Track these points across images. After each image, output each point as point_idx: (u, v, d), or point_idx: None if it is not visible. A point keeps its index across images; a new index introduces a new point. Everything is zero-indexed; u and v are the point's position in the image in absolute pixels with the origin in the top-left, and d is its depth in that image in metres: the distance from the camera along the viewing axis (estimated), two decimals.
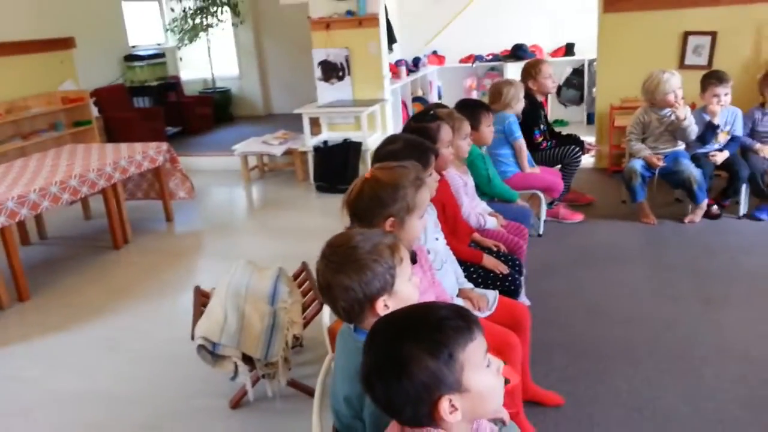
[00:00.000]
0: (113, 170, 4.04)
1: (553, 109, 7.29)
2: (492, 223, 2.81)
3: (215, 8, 8.51)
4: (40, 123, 5.96)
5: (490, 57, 7.30)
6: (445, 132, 2.50)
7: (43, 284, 3.64)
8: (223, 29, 8.78)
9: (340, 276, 1.33)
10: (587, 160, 5.05)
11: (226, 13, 8.64)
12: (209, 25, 8.57)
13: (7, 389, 2.64)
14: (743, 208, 3.81)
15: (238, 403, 2.35)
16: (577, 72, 7.10)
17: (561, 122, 7.21)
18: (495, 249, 2.58)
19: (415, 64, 7.28)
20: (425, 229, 2.11)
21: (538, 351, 2.48)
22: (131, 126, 6.77)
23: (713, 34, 4.66)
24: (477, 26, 7.39)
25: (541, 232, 3.74)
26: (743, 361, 2.37)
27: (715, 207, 3.81)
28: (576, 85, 7.14)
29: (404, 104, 6.83)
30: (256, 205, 5.28)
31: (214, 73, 8.98)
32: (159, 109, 7.57)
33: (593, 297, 2.98)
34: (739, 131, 3.85)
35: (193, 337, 2.20)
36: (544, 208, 3.72)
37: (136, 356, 2.80)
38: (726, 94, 3.77)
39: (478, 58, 7.32)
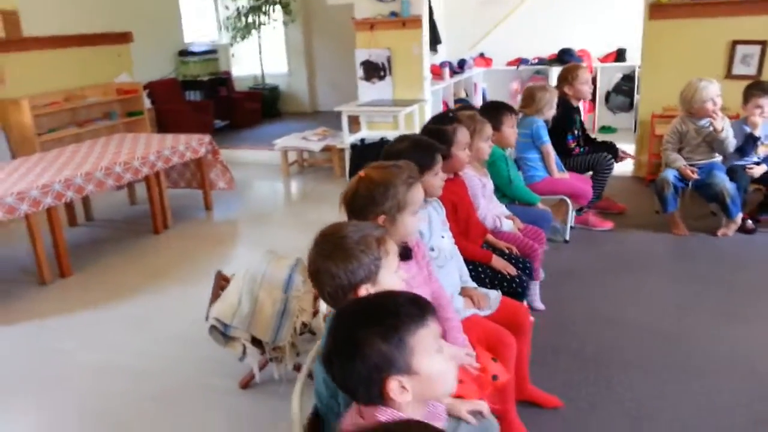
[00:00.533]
0: (156, 159, 4.25)
1: (602, 116, 7.19)
2: (508, 225, 2.82)
3: (267, 7, 8.75)
4: (95, 112, 6.29)
5: (536, 60, 7.25)
6: (462, 134, 2.53)
7: (85, 263, 3.87)
8: (274, 27, 9.02)
9: (329, 263, 1.41)
10: (625, 169, 4.97)
11: (277, 12, 8.88)
12: (261, 23, 8.82)
13: (43, 359, 2.83)
14: None
15: (247, 384, 2.46)
16: (628, 78, 6.96)
17: (609, 129, 7.09)
18: (507, 251, 2.60)
19: (461, 65, 7.29)
20: (430, 226, 2.17)
21: (546, 354, 2.51)
22: (181, 118, 7.05)
23: (763, 44, 4.50)
24: (525, 29, 7.34)
25: (567, 238, 3.71)
26: (753, 379, 2.31)
27: (750, 221, 3.69)
28: (626, 91, 7.01)
29: (446, 105, 6.85)
30: (292, 199, 5.42)
31: (265, 70, 9.23)
32: (209, 102, 7.85)
33: (611, 305, 2.95)
34: None
35: (207, 318, 2.32)
36: (571, 214, 3.70)
37: (160, 335, 2.96)
38: None
39: (524, 61, 7.27)
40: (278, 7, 8.79)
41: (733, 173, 3.64)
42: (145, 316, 3.17)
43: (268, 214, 4.86)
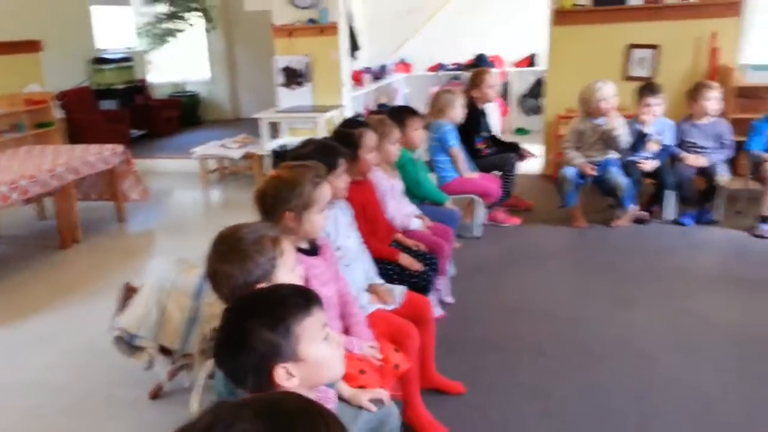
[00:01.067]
0: (65, 171, 4.11)
1: (517, 118, 7.50)
2: (417, 224, 2.94)
3: (186, 13, 8.61)
4: (2, 124, 6.00)
5: (454, 66, 7.48)
6: (369, 138, 2.63)
7: None
8: (196, 34, 8.88)
9: (225, 264, 1.46)
10: (534, 167, 5.23)
11: (197, 18, 8.75)
12: (179, 30, 8.66)
13: None
14: (670, 214, 3.99)
15: (156, 394, 2.45)
16: (539, 82, 7.29)
17: (523, 131, 7.41)
18: (415, 248, 2.71)
19: (382, 71, 7.43)
20: (336, 227, 2.25)
21: (454, 344, 2.63)
22: (95, 128, 6.82)
23: (656, 47, 4.86)
24: (443, 36, 7.57)
25: (478, 235, 3.88)
26: (640, 358, 2.51)
27: (643, 212, 3.98)
28: (538, 95, 7.33)
29: (368, 110, 6.97)
30: (211, 207, 5.38)
31: (187, 77, 9.06)
32: (124, 111, 7.63)
33: (517, 295, 3.12)
34: (669, 141, 4.02)
35: (111, 328, 2.30)
36: (481, 211, 3.87)
37: (68, 349, 2.88)
38: (658, 105, 3.96)
39: (443, 67, 7.50)
40: (198, 13, 8.66)
41: (627, 168, 3.91)
42: (53, 331, 3.08)
43: (186, 224, 4.80)
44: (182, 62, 8.89)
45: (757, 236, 3.69)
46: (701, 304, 2.95)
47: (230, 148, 5.74)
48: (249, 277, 1.46)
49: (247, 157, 5.72)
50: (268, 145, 5.53)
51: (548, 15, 5.08)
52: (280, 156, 5.35)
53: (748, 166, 3.95)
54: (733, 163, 4.15)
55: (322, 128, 5.39)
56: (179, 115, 8.49)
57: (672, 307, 2.92)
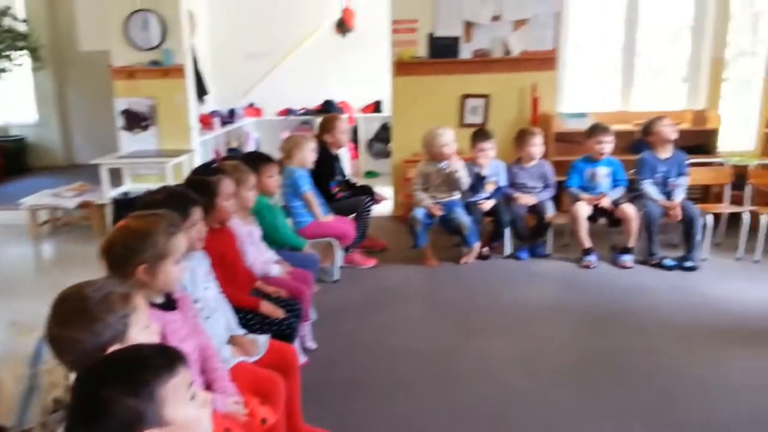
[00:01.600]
0: None
1: (366, 162, 7.77)
2: (277, 270, 2.93)
3: (11, 52, 7.86)
4: None
5: (303, 111, 7.62)
6: (226, 185, 2.59)
7: None
8: (21, 74, 8.11)
9: (69, 328, 1.35)
10: (386, 209, 5.45)
11: (22, 58, 8.02)
12: (3, 70, 7.87)
13: None
14: (507, 249, 4.37)
15: None
16: (385, 127, 7.63)
17: (373, 173, 7.69)
18: (276, 295, 2.69)
19: (231, 115, 7.35)
20: (194, 279, 2.17)
21: (319, 391, 2.62)
22: None
23: (486, 97, 5.35)
24: (292, 81, 7.69)
25: (337, 278, 3.94)
26: (495, 383, 2.70)
27: (485, 249, 4.32)
28: (384, 139, 7.65)
29: (218, 155, 6.82)
30: (43, 264, 4.89)
31: (10, 120, 8.22)
32: None
33: (377, 335, 3.20)
34: (503, 182, 4.42)
35: None
36: (338, 254, 3.94)
37: None
38: (491, 149, 4.35)
39: (292, 111, 7.60)
40: (23, 52, 7.94)
41: (469, 208, 4.23)
42: None
43: (15, 284, 4.30)
44: (4, 104, 8.06)
45: (583, 267, 4.15)
46: (541, 329, 3.25)
47: (64, 197, 5.29)
48: (99, 340, 1.35)
49: (84, 206, 5.29)
50: (109, 193, 5.18)
51: (390, 66, 5.40)
52: (123, 205, 5.03)
53: (570, 202, 4.46)
54: (557, 201, 4.67)
55: (170, 174, 5.17)
56: (2, 163, 7.66)
57: (517, 334, 3.18)
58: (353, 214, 4.19)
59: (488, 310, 3.48)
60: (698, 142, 4.91)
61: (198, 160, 5.77)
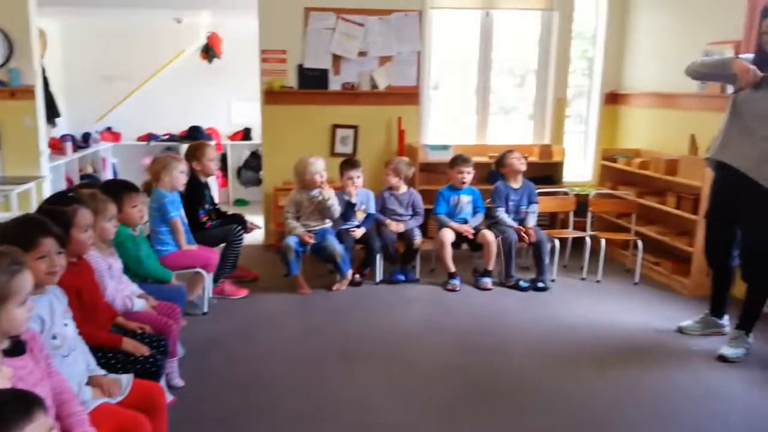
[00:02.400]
0: None
1: (235, 190, 7.62)
2: (140, 305, 2.78)
3: None
4: None
5: (167, 137, 7.33)
6: (83, 216, 2.42)
7: None
8: None
9: None
10: (257, 238, 5.38)
11: None
12: None
13: None
14: (379, 275, 4.49)
15: None
16: (255, 155, 7.55)
17: (243, 202, 7.55)
18: (140, 331, 2.55)
19: (85, 139, 6.90)
20: (52, 314, 2.01)
21: (188, 430, 2.51)
22: None
23: (355, 128, 5.51)
24: (154, 105, 7.39)
25: (206, 310, 3.81)
26: (366, 412, 2.74)
27: (357, 276, 4.41)
28: (254, 167, 7.57)
29: (70, 182, 6.35)
30: None
31: None
32: None
33: (250, 368, 3.13)
34: (372, 209, 4.56)
35: None
36: (207, 285, 3.82)
37: None
38: (358, 177, 4.48)
39: (154, 137, 7.28)
40: None
41: (340, 236, 4.31)
42: None
43: None
44: None
45: (448, 290, 4.38)
46: (411, 352, 3.36)
47: None
48: None
49: None
50: None
51: (259, 94, 5.39)
52: None
53: (436, 228, 4.70)
54: (424, 228, 4.89)
55: (15, 203, 4.72)
56: None
57: (388, 359, 3.26)
58: (223, 244, 4.09)
59: (361, 337, 3.54)
60: (545, 173, 5.42)
61: (49, 188, 5.34)
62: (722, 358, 3.27)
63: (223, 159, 7.47)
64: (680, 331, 3.66)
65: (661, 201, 4.66)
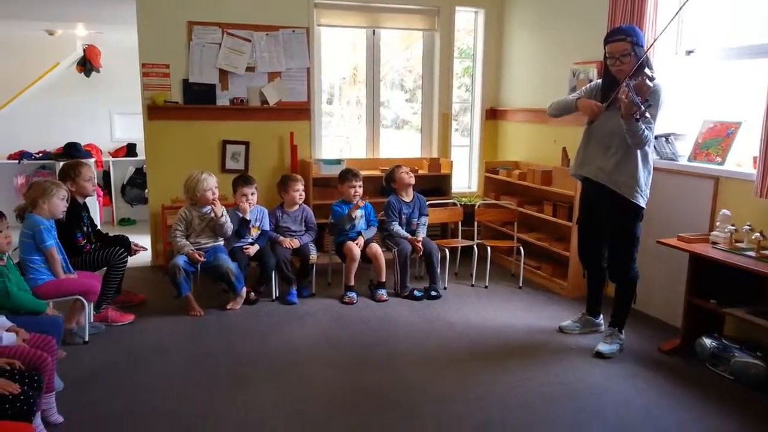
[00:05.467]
0: None
1: (120, 209, 7.22)
2: (9, 339, 2.57)
3: None
4: None
5: (41, 154, 6.82)
6: None
7: None
8: None
9: None
10: (144, 259, 5.14)
11: None
12: None
13: None
14: (275, 293, 4.44)
15: None
16: (140, 172, 7.21)
17: (129, 221, 7.19)
18: (9, 368, 2.36)
19: None
20: None
21: None
22: None
23: (247, 143, 5.43)
24: (28, 121, 6.89)
25: (87, 339, 3.58)
26: None
27: (252, 294, 4.33)
28: (140, 184, 7.22)
29: None
30: None
31: None
32: None
33: (137, 399, 2.96)
34: (267, 226, 4.51)
35: None
36: (88, 313, 3.59)
37: None
38: (252, 194, 4.42)
39: (27, 155, 6.74)
40: None
41: (234, 254, 4.22)
42: None
43: None
44: None
45: (345, 303, 4.40)
46: (310, 369, 3.34)
47: None
48: None
49: None
50: None
51: (142, 109, 5.18)
52: None
53: (333, 243, 4.72)
54: (319, 242, 4.90)
55: None
56: None
57: (285, 379, 3.22)
58: (105, 268, 3.87)
59: (256, 358, 3.47)
60: (435, 185, 5.62)
61: None
62: (599, 355, 3.54)
63: (106, 176, 7.08)
64: (561, 330, 3.93)
65: (539, 209, 4.99)
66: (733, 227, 3.40)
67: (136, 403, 2.93)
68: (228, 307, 4.19)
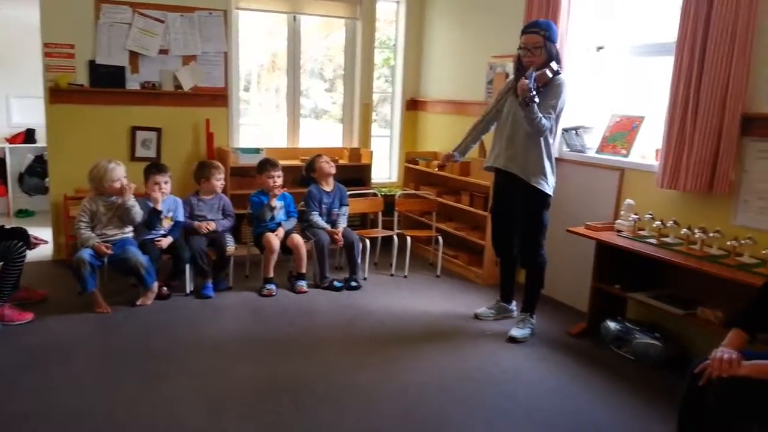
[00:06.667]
0: None
1: (17, 199, 6.72)
2: None
3: None
4: None
5: None
6: None
7: None
8: None
9: None
10: (45, 253, 4.81)
11: None
12: None
13: None
14: (189, 287, 4.28)
15: None
16: (41, 159, 6.73)
17: (27, 212, 6.72)
18: None
19: None
20: None
21: None
22: None
23: (159, 130, 5.18)
24: None
25: None
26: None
27: (164, 288, 4.16)
28: (40, 173, 6.74)
29: None
30: None
31: None
32: None
33: (38, 403, 2.76)
34: (181, 217, 4.33)
35: None
36: None
37: None
38: (166, 183, 4.24)
39: None
40: None
41: (144, 247, 4.02)
42: None
43: None
44: None
45: (264, 296, 4.32)
46: (228, 364, 3.24)
47: None
48: None
49: None
50: None
51: (43, 92, 4.83)
52: None
53: (251, 235, 4.61)
54: (236, 233, 4.77)
55: None
56: None
57: (202, 374, 3.11)
58: (1, 263, 3.58)
59: (171, 353, 3.33)
60: (355, 175, 5.61)
61: None
62: (512, 339, 3.67)
63: (2, 164, 6.56)
64: (476, 317, 4.04)
65: (457, 199, 5.09)
66: (636, 216, 3.61)
67: (39, 404, 2.74)
68: (138, 302, 3.99)
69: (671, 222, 3.42)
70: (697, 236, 3.23)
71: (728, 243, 3.11)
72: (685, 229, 3.32)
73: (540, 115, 3.36)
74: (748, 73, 3.10)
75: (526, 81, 3.28)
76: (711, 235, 3.21)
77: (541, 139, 3.50)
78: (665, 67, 3.55)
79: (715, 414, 2.02)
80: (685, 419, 2.19)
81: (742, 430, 1.99)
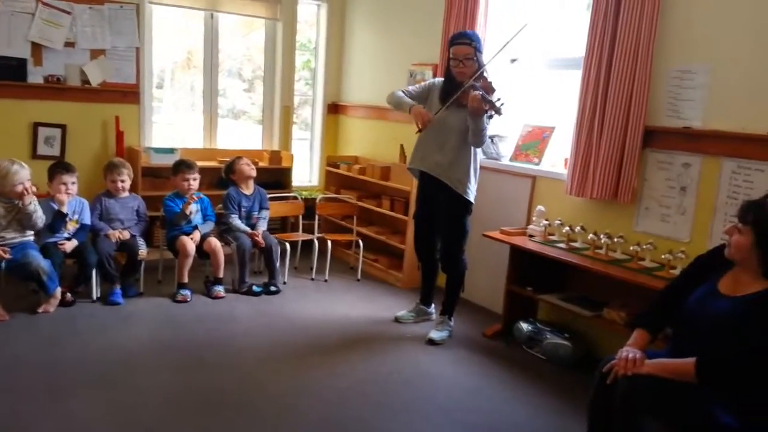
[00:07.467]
0: None
1: None
2: None
3: None
4: None
5: None
6: None
7: None
8: None
9: None
10: None
11: None
12: None
13: None
14: (96, 293, 4.05)
15: None
16: None
17: None
18: None
19: None
20: None
21: None
22: None
23: (63, 127, 4.88)
24: None
25: None
26: None
27: (68, 294, 3.92)
28: None
29: None
30: None
31: None
32: None
33: None
34: (87, 220, 4.10)
35: None
36: None
37: None
38: (73, 183, 4.00)
39: None
40: None
41: (46, 251, 3.77)
42: None
43: None
44: None
45: (178, 301, 4.16)
46: (140, 374, 3.10)
47: None
48: None
49: None
50: None
51: None
52: None
53: (165, 238, 4.43)
54: (149, 236, 4.57)
55: None
56: None
57: (110, 386, 2.95)
58: None
59: (77, 364, 3.14)
60: (276, 178, 5.52)
61: None
62: (431, 342, 3.73)
63: None
64: (397, 320, 4.08)
65: (377, 204, 5.13)
66: (547, 222, 3.79)
67: None
68: (39, 310, 3.73)
69: (579, 228, 3.61)
70: (602, 241, 3.43)
71: (631, 248, 3.32)
72: (591, 235, 3.51)
73: (487, 127, 3.45)
74: (650, 88, 3.33)
75: (478, 93, 3.30)
76: (615, 240, 3.42)
77: (471, 147, 3.58)
78: (575, 80, 3.75)
79: (622, 410, 2.14)
80: (595, 415, 2.31)
81: (647, 425, 2.12)
